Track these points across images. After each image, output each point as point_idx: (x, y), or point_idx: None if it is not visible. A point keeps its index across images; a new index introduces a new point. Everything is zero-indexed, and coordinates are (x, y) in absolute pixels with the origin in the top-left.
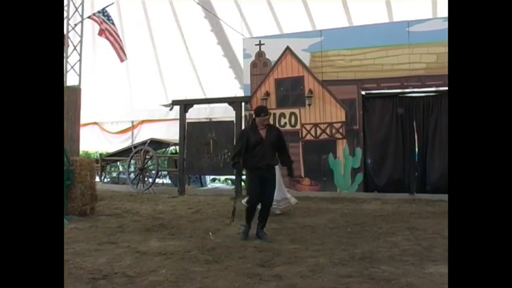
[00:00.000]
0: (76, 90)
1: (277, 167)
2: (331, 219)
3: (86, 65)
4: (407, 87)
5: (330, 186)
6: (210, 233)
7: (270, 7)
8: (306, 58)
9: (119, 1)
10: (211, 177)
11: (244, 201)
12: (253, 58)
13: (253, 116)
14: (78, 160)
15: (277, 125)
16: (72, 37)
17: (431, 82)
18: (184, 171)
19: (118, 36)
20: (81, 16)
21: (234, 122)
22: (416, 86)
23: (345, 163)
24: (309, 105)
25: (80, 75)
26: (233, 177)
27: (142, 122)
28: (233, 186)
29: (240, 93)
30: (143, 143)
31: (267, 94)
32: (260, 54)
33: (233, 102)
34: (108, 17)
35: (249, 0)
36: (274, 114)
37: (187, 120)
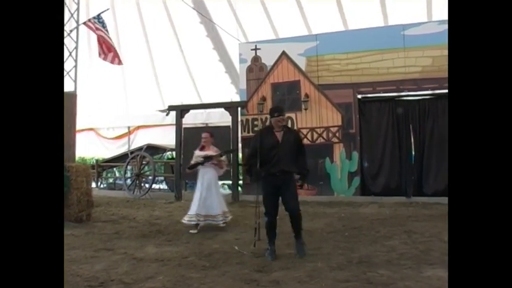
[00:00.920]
0: (72, 97)
1: (212, 174)
2: (328, 223)
3: (82, 70)
4: (403, 91)
5: (327, 191)
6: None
7: (265, 12)
8: (301, 62)
9: (114, 7)
10: None
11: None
12: (249, 63)
13: (269, 117)
14: (74, 166)
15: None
16: (67, 43)
17: (427, 85)
18: (181, 176)
19: (111, 42)
20: (77, 22)
21: (231, 127)
22: (412, 89)
23: (341, 167)
24: (305, 109)
25: (75, 81)
26: (230, 182)
27: (139, 127)
28: (230, 192)
29: (236, 98)
30: (139, 149)
31: (264, 99)
32: (256, 59)
33: (229, 107)
34: (103, 23)
35: (244, 5)
36: None
37: (183, 126)
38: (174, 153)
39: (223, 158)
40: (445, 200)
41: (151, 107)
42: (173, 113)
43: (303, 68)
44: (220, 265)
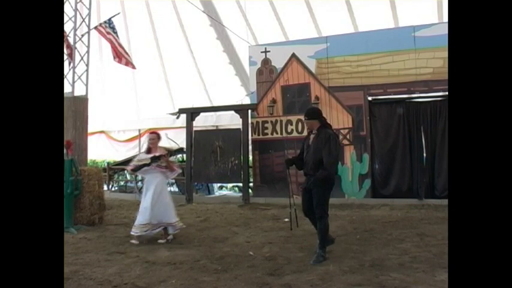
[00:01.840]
0: (83, 100)
1: (161, 180)
2: (339, 226)
3: (93, 74)
4: (414, 92)
5: (338, 193)
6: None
7: (275, 14)
8: (312, 65)
9: (125, 11)
10: (219, 184)
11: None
12: (259, 65)
13: None
14: (87, 170)
15: (284, 133)
16: (79, 47)
17: (438, 87)
18: (191, 179)
19: (121, 47)
20: (88, 27)
21: (241, 129)
22: (423, 91)
23: (352, 169)
24: None
25: (86, 85)
26: (240, 184)
27: (149, 130)
28: (240, 194)
29: (247, 101)
30: None
31: (274, 101)
32: (266, 62)
33: (239, 109)
34: (114, 28)
35: (254, 8)
36: (281, 121)
37: (194, 128)
38: (184, 155)
39: (172, 158)
40: None
41: (162, 110)
42: (183, 116)
43: (313, 70)
44: (232, 268)
